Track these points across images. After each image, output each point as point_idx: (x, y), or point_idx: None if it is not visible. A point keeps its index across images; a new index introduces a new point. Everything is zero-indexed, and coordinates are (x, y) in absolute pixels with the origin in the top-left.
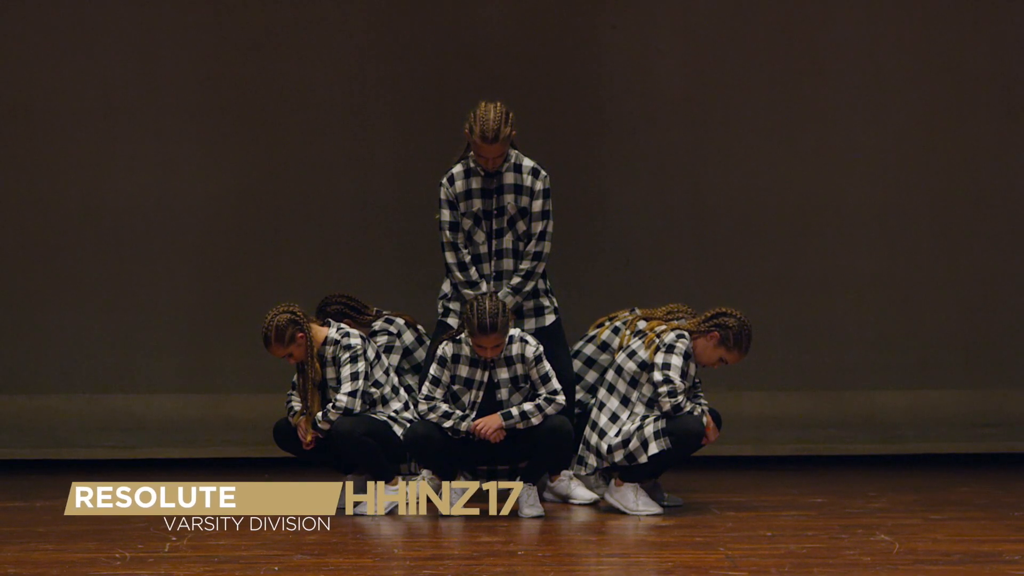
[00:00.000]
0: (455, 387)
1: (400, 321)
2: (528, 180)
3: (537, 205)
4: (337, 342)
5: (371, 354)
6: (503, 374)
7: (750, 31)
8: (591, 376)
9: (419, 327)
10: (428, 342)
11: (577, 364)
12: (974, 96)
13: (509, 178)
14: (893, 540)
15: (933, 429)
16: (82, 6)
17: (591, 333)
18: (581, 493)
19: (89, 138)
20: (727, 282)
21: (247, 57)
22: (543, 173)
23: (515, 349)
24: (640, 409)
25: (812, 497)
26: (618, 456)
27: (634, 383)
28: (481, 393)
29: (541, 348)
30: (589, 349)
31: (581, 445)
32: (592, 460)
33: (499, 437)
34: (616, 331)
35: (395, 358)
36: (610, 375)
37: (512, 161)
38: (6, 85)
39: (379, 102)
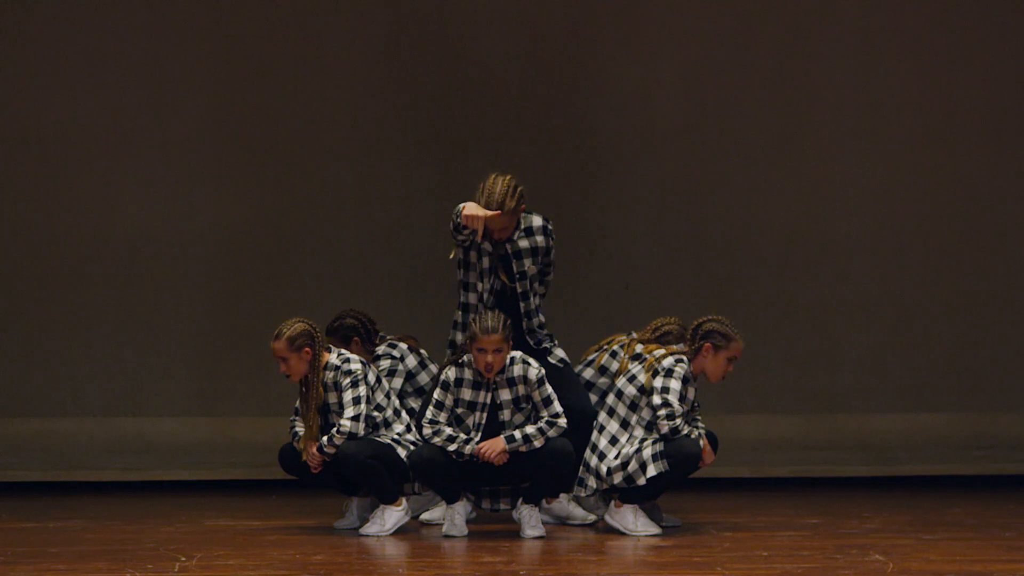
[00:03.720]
0: (459, 410)
1: (403, 346)
2: (542, 240)
3: (552, 255)
4: (337, 367)
5: (371, 378)
6: (505, 395)
7: (747, 64)
8: (590, 399)
9: (422, 351)
10: (430, 366)
11: None
12: (966, 127)
13: (524, 243)
14: (887, 560)
15: (926, 451)
16: (93, 40)
17: (590, 357)
18: (578, 514)
19: (100, 168)
20: (724, 307)
21: (255, 89)
22: (550, 227)
23: (517, 371)
24: (639, 432)
25: (808, 518)
26: (617, 478)
27: (634, 407)
28: (484, 415)
29: (543, 371)
30: (588, 373)
31: (581, 467)
32: (592, 482)
33: (502, 460)
34: (614, 355)
35: (398, 382)
36: (610, 399)
37: (522, 226)
38: (20, 117)
39: (384, 132)
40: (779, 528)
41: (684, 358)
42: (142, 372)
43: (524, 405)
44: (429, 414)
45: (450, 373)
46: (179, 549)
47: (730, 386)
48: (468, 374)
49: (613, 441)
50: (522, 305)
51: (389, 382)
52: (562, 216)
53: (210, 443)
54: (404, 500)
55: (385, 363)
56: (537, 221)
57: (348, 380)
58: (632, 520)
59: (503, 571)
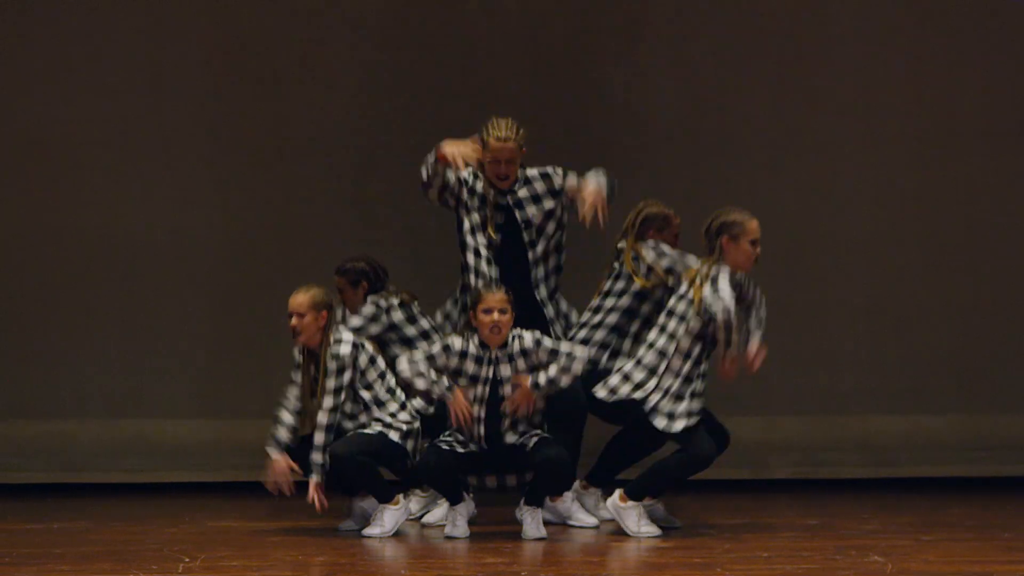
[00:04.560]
0: (461, 382)
1: (395, 300)
2: (541, 187)
3: (560, 211)
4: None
5: (363, 360)
6: (505, 371)
7: (746, 67)
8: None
9: (413, 306)
10: (421, 321)
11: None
12: (964, 130)
13: (523, 192)
14: (886, 561)
15: (925, 453)
16: (97, 46)
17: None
18: (582, 517)
19: (104, 172)
20: None
21: (257, 94)
22: (548, 170)
23: (516, 346)
24: (677, 364)
25: (807, 519)
26: (637, 393)
27: (681, 322)
28: (487, 388)
29: (537, 332)
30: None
31: (614, 371)
32: (614, 380)
33: (527, 408)
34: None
35: (375, 328)
36: (663, 318)
37: (520, 178)
38: (26, 121)
39: (385, 135)
40: (779, 529)
41: (723, 267)
42: (145, 374)
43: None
44: (415, 355)
45: (454, 340)
46: (183, 550)
47: (730, 388)
48: (472, 348)
49: (647, 357)
50: (530, 254)
51: (368, 328)
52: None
53: (213, 445)
54: (401, 498)
55: (368, 309)
56: (533, 171)
57: (334, 365)
58: (635, 521)
59: (505, 572)
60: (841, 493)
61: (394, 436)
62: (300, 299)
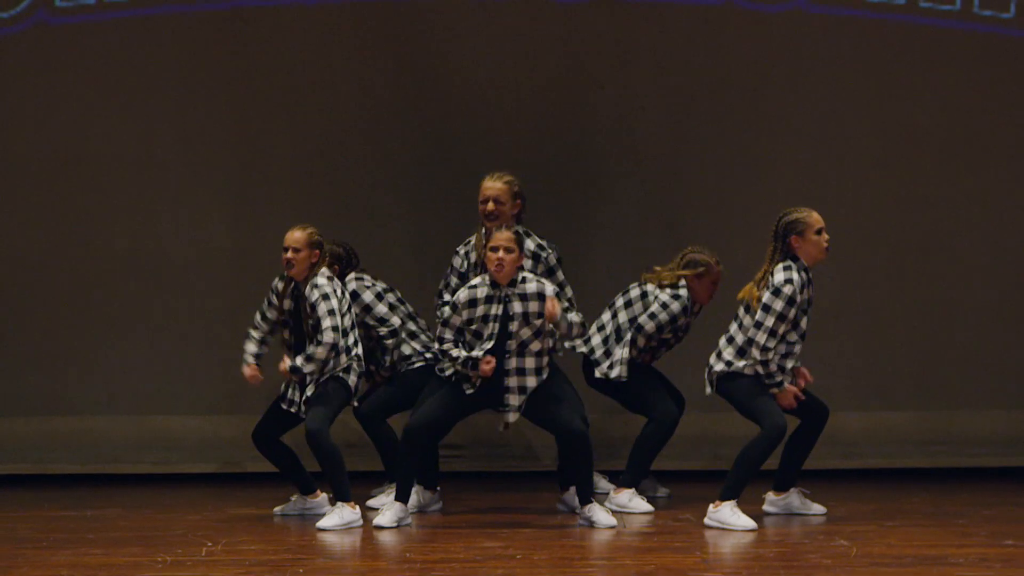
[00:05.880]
0: (474, 326)
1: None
2: (535, 307)
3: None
4: (316, 285)
5: (340, 292)
6: (517, 308)
7: (724, 90)
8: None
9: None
10: (387, 297)
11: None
12: (923, 151)
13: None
14: (851, 545)
15: (888, 446)
16: (127, 72)
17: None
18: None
19: (133, 188)
20: (703, 317)
21: (273, 117)
22: (546, 253)
23: (531, 288)
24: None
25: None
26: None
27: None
28: (497, 325)
29: (555, 287)
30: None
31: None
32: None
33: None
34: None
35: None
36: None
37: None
38: (60, 141)
39: (391, 156)
40: (753, 516)
41: (791, 264)
42: (171, 374)
43: (533, 321)
44: (445, 334)
45: (460, 295)
46: (206, 535)
47: None
48: (479, 292)
49: (729, 340)
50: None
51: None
52: (551, 236)
53: (233, 439)
54: (356, 507)
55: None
56: (531, 244)
57: (316, 293)
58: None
59: (501, 555)
60: (810, 483)
61: (351, 379)
62: (298, 235)
